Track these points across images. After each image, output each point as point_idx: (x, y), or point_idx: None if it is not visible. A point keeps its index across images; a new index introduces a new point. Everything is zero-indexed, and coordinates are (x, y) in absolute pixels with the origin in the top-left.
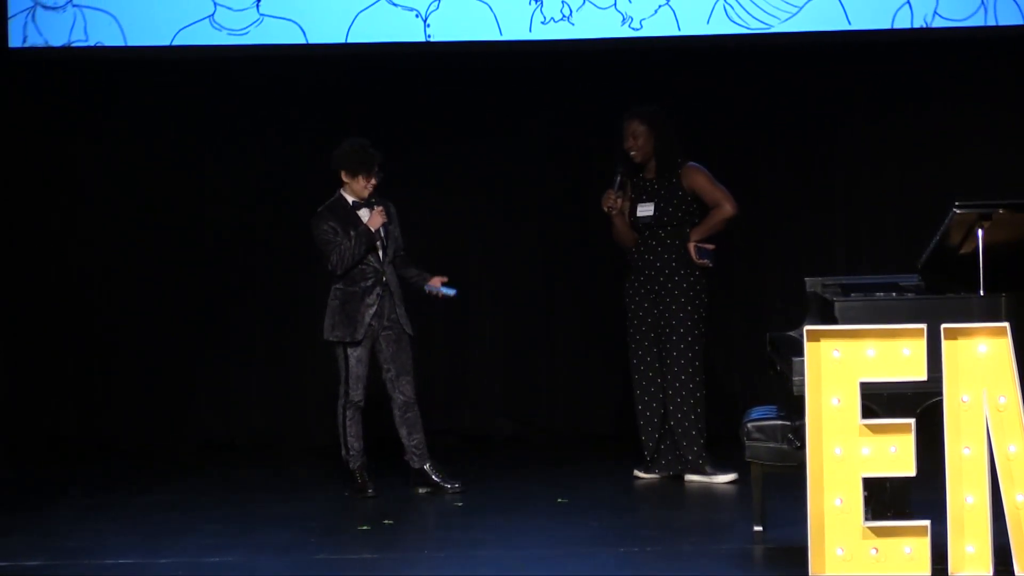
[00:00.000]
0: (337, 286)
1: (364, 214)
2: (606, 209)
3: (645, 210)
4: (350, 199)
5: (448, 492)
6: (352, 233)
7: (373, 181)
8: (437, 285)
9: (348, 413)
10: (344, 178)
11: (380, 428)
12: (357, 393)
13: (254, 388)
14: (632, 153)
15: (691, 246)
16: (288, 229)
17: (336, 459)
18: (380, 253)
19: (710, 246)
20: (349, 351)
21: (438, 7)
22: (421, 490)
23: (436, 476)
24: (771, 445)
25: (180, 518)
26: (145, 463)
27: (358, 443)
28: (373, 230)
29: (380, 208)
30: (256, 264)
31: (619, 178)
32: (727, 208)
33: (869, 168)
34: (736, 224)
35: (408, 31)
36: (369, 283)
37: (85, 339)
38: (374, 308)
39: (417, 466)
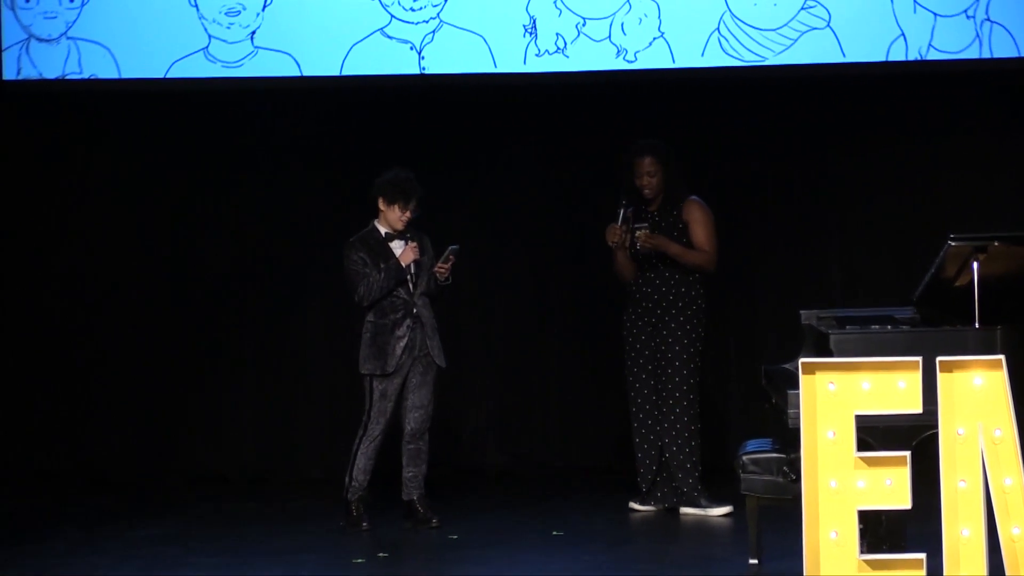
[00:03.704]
0: (368, 319)
1: (396, 246)
2: (611, 244)
3: (641, 228)
4: (383, 230)
5: (428, 527)
6: (382, 266)
7: (408, 214)
8: (443, 271)
9: (362, 446)
10: (381, 206)
11: (382, 460)
12: (376, 428)
13: (246, 421)
14: (646, 192)
15: (644, 234)
16: (281, 261)
17: (329, 491)
18: (411, 286)
19: (645, 235)
20: (375, 383)
21: (432, 39)
22: (407, 523)
23: (420, 508)
24: (766, 478)
25: (173, 552)
26: (137, 497)
27: (363, 476)
28: (404, 265)
29: (414, 244)
30: (249, 296)
31: (623, 212)
32: (708, 259)
33: (864, 200)
34: (708, 276)
35: (402, 63)
36: (399, 316)
37: (75, 373)
38: (404, 341)
39: (405, 498)
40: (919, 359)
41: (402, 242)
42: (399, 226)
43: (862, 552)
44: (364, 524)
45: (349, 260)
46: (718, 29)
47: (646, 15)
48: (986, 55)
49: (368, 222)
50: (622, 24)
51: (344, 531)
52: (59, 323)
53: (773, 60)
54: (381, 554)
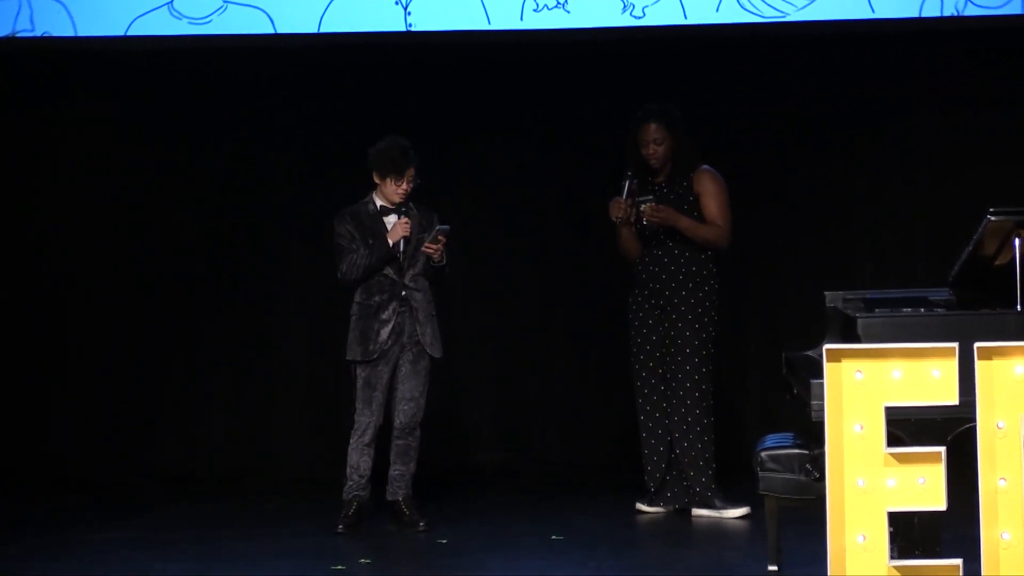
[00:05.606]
0: (355, 299)
1: (392, 222)
2: (615, 219)
3: (646, 200)
4: (379, 203)
5: (415, 531)
6: (371, 242)
7: (405, 186)
8: (431, 251)
9: (351, 439)
10: (375, 179)
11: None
12: (363, 419)
13: (220, 419)
14: (652, 161)
15: (651, 207)
16: (255, 243)
17: (308, 493)
18: (401, 265)
19: (652, 208)
20: (359, 370)
21: None
22: (392, 525)
23: (406, 510)
24: (787, 476)
25: (141, 556)
26: (102, 498)
27: (355, 474)
28: (391, 243)
29: (404, 220)
30: (223, 281)
31: (628, 184)
32: (721, 233)
33: (895, 170)
34: (722, 253)
35: (386, 20)
36: (384, 297)
37: (35, 365)
38: (390, 325)
39: (389, 498)
40: (955, 345)
41: (398, 217)
42: (397, 199)
43: (892, 557)
44: (339, 527)
45: (335, 234)
46: None
47: None
48: None
49: (355, 194)
50: None
51: (322, 535)
52: (18, 311)
53: (795, 16)
54: (363, 560)
